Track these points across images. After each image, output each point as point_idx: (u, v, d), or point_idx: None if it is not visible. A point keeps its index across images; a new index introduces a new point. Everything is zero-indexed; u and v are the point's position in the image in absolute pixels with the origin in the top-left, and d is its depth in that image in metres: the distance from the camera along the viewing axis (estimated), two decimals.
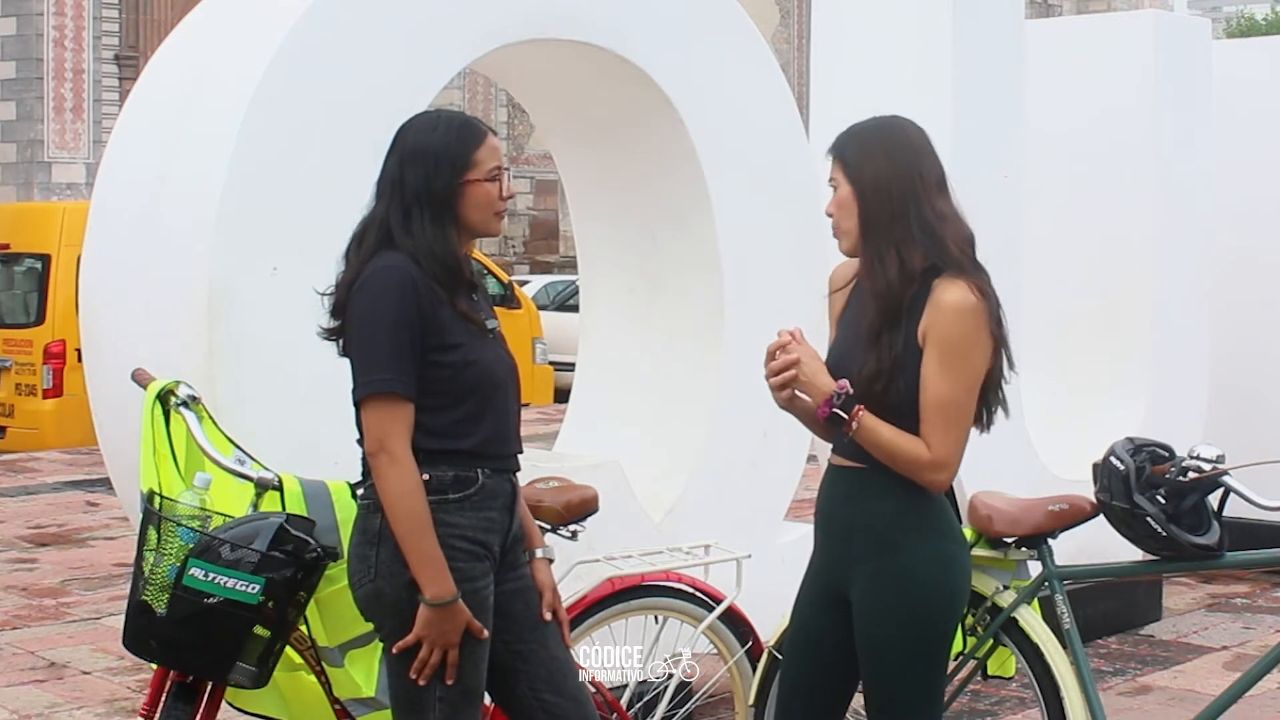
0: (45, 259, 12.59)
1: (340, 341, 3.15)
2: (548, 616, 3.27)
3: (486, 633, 3.10)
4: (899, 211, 3.17)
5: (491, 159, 3.15)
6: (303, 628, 3.32)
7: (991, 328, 3.17)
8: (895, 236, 3.16)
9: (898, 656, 3.19)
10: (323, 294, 3.16)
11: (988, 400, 3.25)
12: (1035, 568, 3.83)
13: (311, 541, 3.22)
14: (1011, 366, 3.25)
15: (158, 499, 3.26)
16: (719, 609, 4.04)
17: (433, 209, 3.09)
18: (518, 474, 3.25)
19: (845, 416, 3.12)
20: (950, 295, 3.12)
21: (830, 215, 3.27)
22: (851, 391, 3.14)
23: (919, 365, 3.13)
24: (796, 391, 3.21)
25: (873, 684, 3.25)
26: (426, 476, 3.05)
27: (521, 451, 3.25)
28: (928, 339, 3.13)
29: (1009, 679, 3.92)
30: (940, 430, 3.12)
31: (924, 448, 3.12)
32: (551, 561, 3.38)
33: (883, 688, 3.23)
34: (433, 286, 3.06)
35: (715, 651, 4.16)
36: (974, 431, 3.26)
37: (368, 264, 3.08)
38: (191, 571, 3.14)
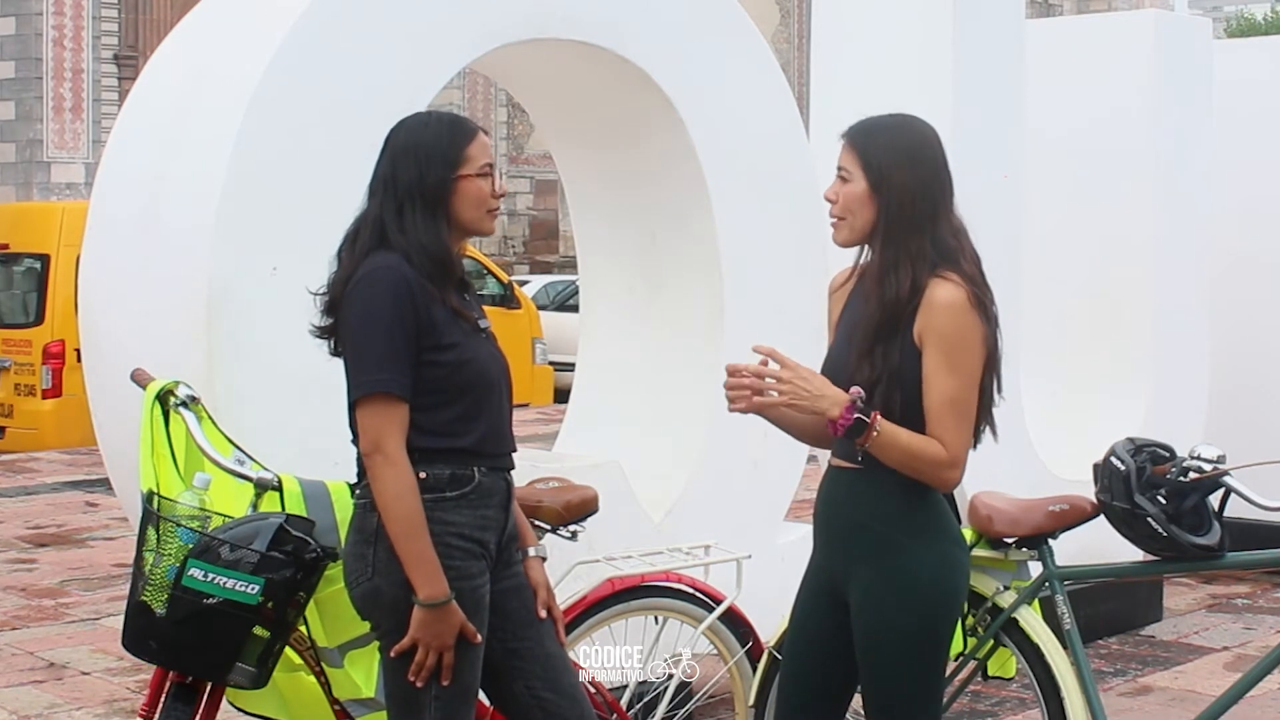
0: (44, 259, 12.59)
1: (332, 340, 3.15)
2: (543, 614, 3.28)
3: (480, 636, 3.10)
4: (919, 224, 3.15)
5: (483, 155, 3.15)
6: (302, 628, 3.32)
7: (988, 340, 3.16)
8: (912, 249, 3.14)
9: (897, 657, 3.19)
10: (315, 294, 3.16)
11: (977, 420, 3.23)
12: (1036, 568, 3.83)
13: (311, 542, 3.21)
14: (1000, 391, 3.23)
15: (157, 499, 3.26)
16: (719, 609, 4.03)
17: (425, 204, 3.10)
18: (512, 472, 3.24)
19: (868, 421, 3.09)
20: (942, 293, 3.11)
21: (831, 201, 3.24)
22: (865, 396, 3.12)
23: (916, 370, 3.12)
24: (796, 408, 3.14)
25: (872, 685, 3.24)
26: (423, 475, 3.05)
27: (515, 450, 3.25)
28: (925, 339, 3.12)
29: (1009, 679, 3.92)
30: (952, 427, 3.11)
31: (940, 447, 3.11)
32: (545, 560, 3.38)
33: (882, 689, 3.23)
34: (425, 285, 3.06)
35: (715, 652, 4.16)
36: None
37: (361, 263, 3.08)
38: (191, 572, 3.13)
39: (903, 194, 3.15)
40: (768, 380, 3.12)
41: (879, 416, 3.10)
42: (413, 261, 3.06)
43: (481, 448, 3.13)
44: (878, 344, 3.13)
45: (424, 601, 3.01)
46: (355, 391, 3.05)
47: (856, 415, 3.08)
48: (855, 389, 3.11)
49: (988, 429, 3.25)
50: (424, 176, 3.10)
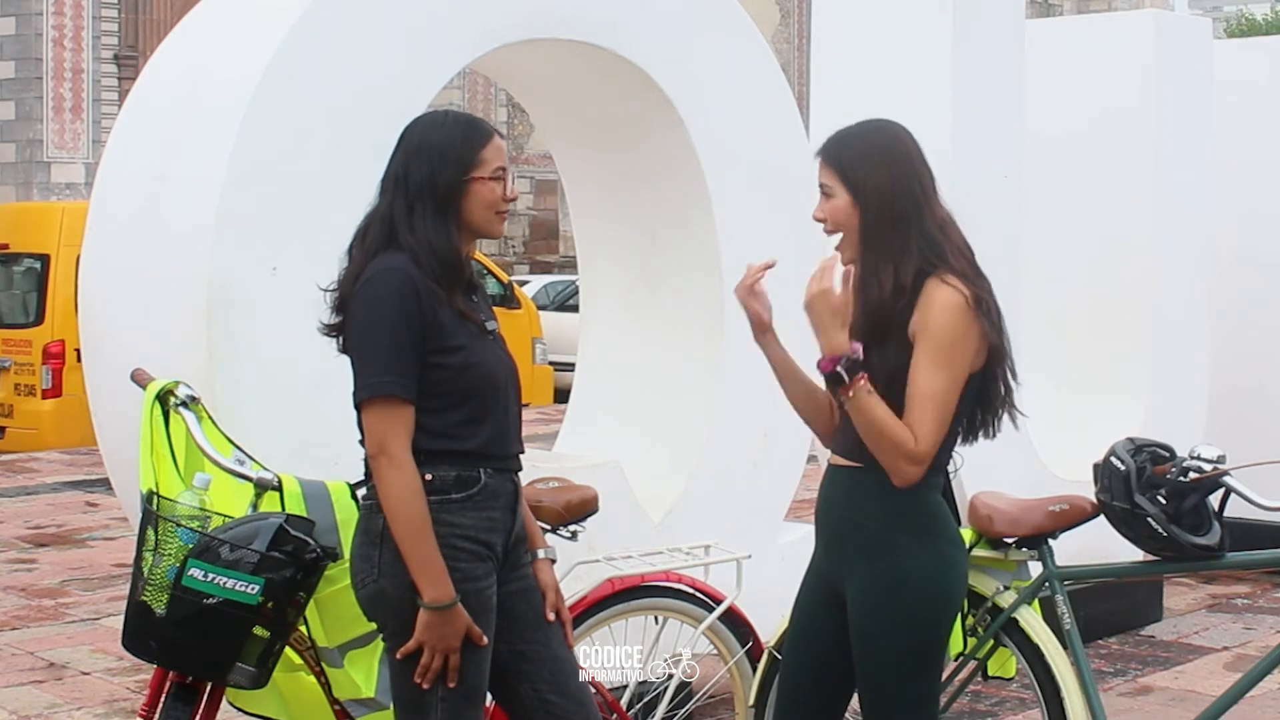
0: (44, 259, 12.59)
1: (340, 338, 3.15)
2: (551, 617, 3.27)
3: (486, 639, 3.09)
4: (900, 223, 3.15)
5: (496, 159, 3.14)
6: (302, 628, 3.32)
7: (990, 336, 3.15)
8: (893, 249, 3.14)
9: (893, 657, 3.18)
10: (325, 290, 3.16)
11: (993, 408, 3.24)
12: (1036, 568, 3.83)
13: (311, 542, 3.21)
14: (1014, 377, 3.23)
15: (156, 499, 3.26)
16: (719, 609, 4.03)
17: (435, 205, 3.09)
18: (520, 474, 3.24)
19: (847, 380, 3.08)
20: (940, 294, 3.11)
21: (820, 220, 3.25)
22: (861, 357, 3.10)
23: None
24: (812, 316, 3.13)
25: (868, 684, 3.24)
26: (429, 476, 3.04)
27: (523, 451, 3.25)
28: (918, 336, 3.11)
29: (1009, 679, 3.92)
30: (928, 422, 3.09)
31: (911, 436, 3.10)
32: (554, 562, 3.37)
33: (878, 688, 3.22)
34: (433, 287, 3.05)
35: (715, 652, 4.16)
36: (980, 436, 3.27)
37: (371, 261, 3.08)
38: (191, 572, 3.13)
39: (880, 197, 3.16)
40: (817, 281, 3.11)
41: (864, 379, 3.07)
42: (421, 263, 3.05)
43: (487, 450, 3.12)
44: (871, 348, 3.13)
45: (429, 604, 3.00)
46: (360, 394, 3.04)
47: (837, 369, 3.08)
48: (855, 345, 3.09)
49: (1006, 417, 3.25)
50: (436, 177, 3.09)
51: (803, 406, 3.38)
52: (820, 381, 3.21)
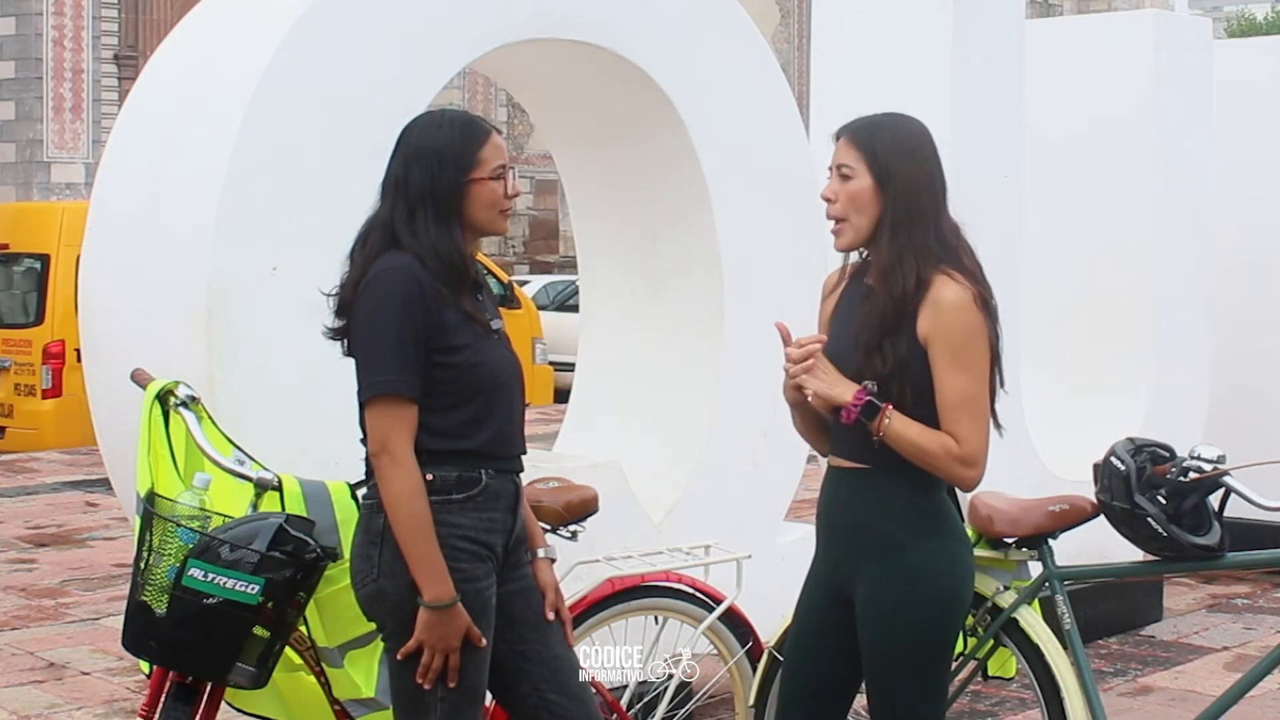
0: (44, 259, 12.59)
1: (345, 341, 3.14)
2: (551, 616, 3.27)
3: (485, 641, 3.09)
4: (923, 220, 3.15)
5: (496, 157, 3.14)
6: (302, 628, 3.32)
7: (991, 337, 3.16)
8: (915, 244, 3.14)
9: (902, 656, 3.19)
10: (328, 294, 3.16)
11: None
12: (1036, 568, 3.83)
13: (311, 542, 3.21)
14: (1003, 385, 3.24)
15: (156, 499, 3.26)
16: (719, 609, 4.03)
17: (437, 208, 3.09)
18: (521, 474, 3.24)
19: (879, 406, 3.10)
20: (948, 294, 3.12)
21: (830, 200, 3.23)
22: (876, 389, 3.12)
23: (923, 365, 3.13)
24: (811, 400, 3.18)
25: (877, 683, 3.24)
26: (430, 476, 3.04)
27: (525, 452, 3.25)
28: (931, 340, 3.12)
29: (1009, 679, 3.92)
30: (966, 425, 3.11)
31: (954, 442, 3.11)
32: (554, 561, 3.37)
33: (887, 687, 3.22)
34: (437, 287, 3.05)
35: (715, 652, 4.16)
36: None
37: (372, 264, 3.07)
38: (191, 572, 3.13)
39: (909, 189, 3.15)
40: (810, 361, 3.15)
41: (890, 408, 3.11)
42: (425, 264, 3.06)
43: (489, 450, 3.13)
44: (885, 339, 3.13)
45: (429, 603, 3.00)
46: (363, 393, 3.04)
47: (869, 398, 3.10)
48: (865, 384, 3.12)
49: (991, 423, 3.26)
50: (436, 181, 3.09)
51: (820, 433, 3.36)
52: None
